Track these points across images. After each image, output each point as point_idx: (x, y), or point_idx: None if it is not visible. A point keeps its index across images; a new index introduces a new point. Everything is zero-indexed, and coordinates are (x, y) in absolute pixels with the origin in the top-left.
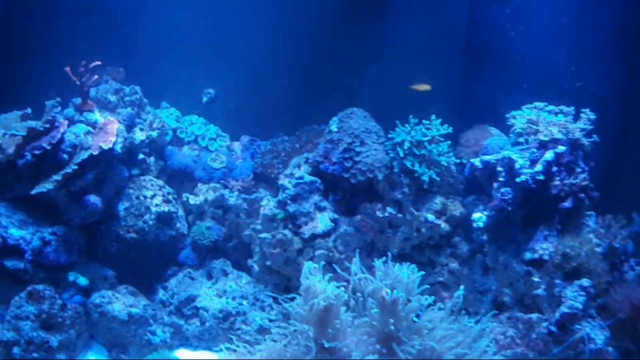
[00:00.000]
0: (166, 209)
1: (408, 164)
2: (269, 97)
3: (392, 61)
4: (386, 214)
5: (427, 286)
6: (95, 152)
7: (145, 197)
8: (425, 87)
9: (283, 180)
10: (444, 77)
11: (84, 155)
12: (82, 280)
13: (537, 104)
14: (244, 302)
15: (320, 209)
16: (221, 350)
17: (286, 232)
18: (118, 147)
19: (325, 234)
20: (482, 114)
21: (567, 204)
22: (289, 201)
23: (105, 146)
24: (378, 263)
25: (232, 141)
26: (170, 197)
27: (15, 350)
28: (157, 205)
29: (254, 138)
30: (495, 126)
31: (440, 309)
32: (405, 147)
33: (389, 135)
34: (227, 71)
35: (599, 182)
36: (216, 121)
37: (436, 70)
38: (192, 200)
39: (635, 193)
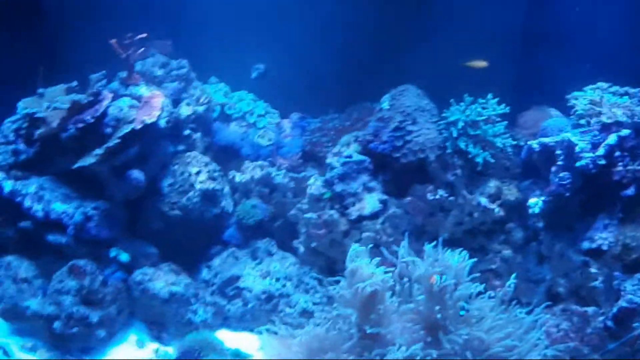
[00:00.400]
0: (211, 186)
1: (462, 144)
2: (321, 74)
3: (448, 37)
4: (437, 197)
5: (478, 274)
6: (138, 126)
7: (190, 173)
8: (482, 63)
9: (331, 159)
10: (502, 54)
11: (127, 129)
12: (124, 257)
13: (600, 84)
14: (288, 283)
15: (369, 190)
16: (261, 332)
17: (332, 212)
18: (162, 122)
19: (373, 216)
20: (541, 94)
21: (629, 191)
22: (336, 180)
23: (149, 120)
24: (427, 248)
25: (282, 118)
26: (215, 174)
27: (56, 324)
28: (201, 182)
29: (304, 115)
30: (556, 107)
31: (490, 297)
32: (459, 127)
33: (443, 114)
34: (278, 46)
35: None
36: (266, 98)
37: (494, 47)
38: (239, 177)
39: None
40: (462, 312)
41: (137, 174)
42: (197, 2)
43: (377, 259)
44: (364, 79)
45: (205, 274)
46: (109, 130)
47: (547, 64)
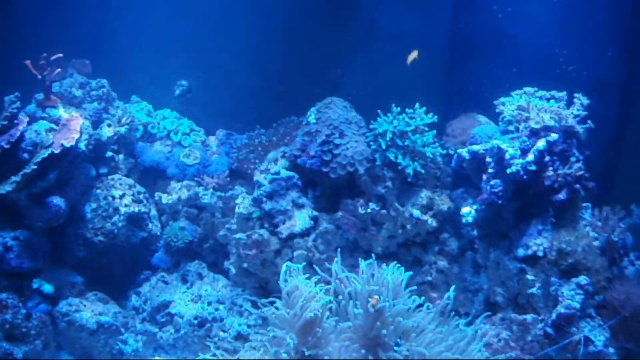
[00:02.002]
0: (136, 209)
1: (391, 156)
2: (247, 89)
3: (375, 50)
4: (369, 210)
5: (415, 287)
6: (57, 151)
7: (113, 197)
8: (414, 54)
9: (258, 177)
10: (430, 65)
11: (44, 154)
12: (47, 288)
13: (527, 89)
14: (221, 307)
15: (299, 207)
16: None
17: (262, 231)
18: (82, 145)
19: (304, 233)
20: (470, 102)
21: (561, 195)
22: (264, 199)
23: (68, 144)
24: (362, 264)
25: (208, 136)
26: (141, 196)
27: None
28: (126, 205)
29: (231, 132)
30: (485, 114)
31: (428, 311)
32: (388, 138)
33: (371, 126)
34: (202, 62)
35: (595, 172)
36: (190, 115)
37: (422, 58)
38: (165, 199)
39: (635, 183)
40: (395, 348)
41: (57, 201)
42: (116, 21)
43: (316, 277)
44: (291, 93)
45: (134, 300)
46: (25, 155)
47: (475, 71)
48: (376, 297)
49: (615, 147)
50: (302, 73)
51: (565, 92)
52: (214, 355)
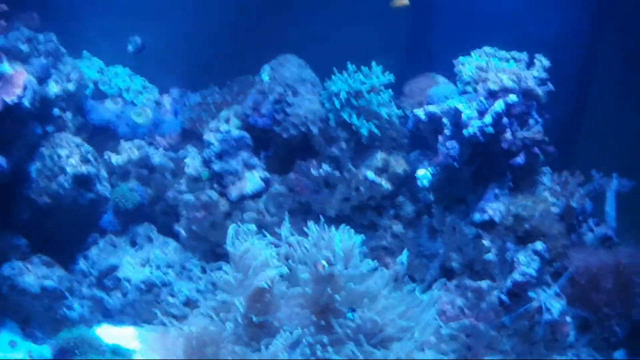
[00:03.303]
0: (84, 169)
1: (345, 115)
2: (201, 45)
3: (334, 6)
4: (322, 172)
5: (366, 250)
6: None
7: (59, 156)
8: (404, 1)
9: (208, 136)
10: (390, 24)
11: None
12: None
13: (486, 49)
14: (170, 271)
15: (250, 167)
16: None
17: (211, 193)
18: (26, 102)
19: (255, 195)
20: (431, 62)
21: (519, 159)
22: (214, 159)
23: (10, 100)
24: (312, 227)
25: (162, 94)
26: (89, 156)
27: None
28: (73, 165)
29: (185, 90)
30: (445, 75)
31: (382, 276)
32: (342, 97)
33: (325, 85)
34: (155, 17)
35: (556, 136)
36: (144, 72)
37: (382, 16)
38: (115, 159)
39: (595, 147)
40: (349, 315)
41: None
42: None
43: (268, 239)
44: (247, 50)
45: (81, 264)
46: None
47: (435, 30)
48: (323, 262)
49: (577, 110)
50: (260, 30)
51: (525, 53)
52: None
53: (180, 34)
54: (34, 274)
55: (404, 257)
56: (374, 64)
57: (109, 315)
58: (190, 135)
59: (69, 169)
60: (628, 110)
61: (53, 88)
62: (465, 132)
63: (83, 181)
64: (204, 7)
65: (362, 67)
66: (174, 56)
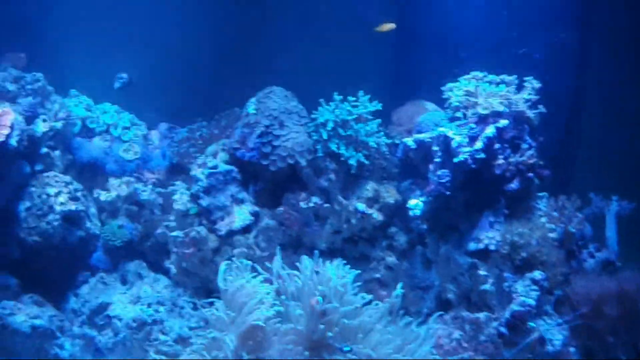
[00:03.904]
0: (73, 207)
1: (333, 146)
2: (189, 81)
3: (319, 37)
4: (311, 205)
5: (362, 284)
6: None
7: (48, 195)
8: (389, 26)
9: (195, 171)
10: (376, 51)
11: None
12: None
13: (475, 73)
14: (161, 308)
15: (238, 202)
16: None
17: (200, 228)
18: (13, 141)
19: (245, 230)
20: (418, 89)
21: (513, 185)
22: (201, 194)
23: None
24: (305, 262)
25: (150, 130)
26: (78, 193)
27: None
28: (62, 203)
29: (173, 126)
30: (433, 101)
31: (376, 309)
32: (329, 128)
33: (312, 116)
34: (142, 54)
35: (552, 160)
36: (131, 109)
37: (368, 44)
38: (104, 196)
39: (593, 169)
40: (346, 348)
41: None
42: (53, 12)
43: (262, 276)
44: (235, 85)
45: (72, 303)
46: None
47: (422, 57)
48: (317, 298)
49: (573, 132)
50: (246, 62)
51: (515, 76)
52: None
53: (168, 70)
54: (25, 314)
55: (398, 290)
56: (361, 93)
57: (100, 354)
58: (179, 170)
59: (57, 207)
60: (625, 129)
61: (41, 127)
62: (455, 159)
63: (72, 219)
64: (191, 42)
65: (348, 96)
66: (162, 91)
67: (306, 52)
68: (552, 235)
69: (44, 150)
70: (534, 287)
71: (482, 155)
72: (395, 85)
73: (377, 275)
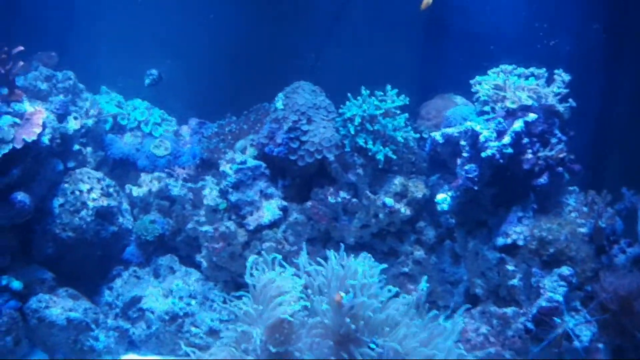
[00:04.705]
0: (105, 203)
1: (360, 141)
2: (220, 76)
3: (348, 33)
4: (339, 199)
5: (390, 278)
6: (19, 146)
7: (81, 191)
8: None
9: (224, 167)
10: (405, 46)
11: (5, 149)
12: (16, 284)
13: (504, 66)
14: (193, 301)
15: (267, 197)
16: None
17: (229, 224)
18: (45, 139)
19: (273, 224)
20: (447, 83)
21: (542, 180)
22: (230, 189)
23: (29, 138)
24: (331, 256)
25: (181, 125)
26: (110, 189)
27: None
28: (94, 199)
29: (203, 121)
30: (462, 95)
31: (403, 303)
32: (357, 123)
33: (340, 111)
34: (173, 50)
35: (583, 153)
36: (163, 105)
37: (396, 39)
38: (136, 191)
39: (626, 164)
40: (372, 345)
41: (21, 197)
42: (83, 11)
43: (290, 271)
44: (264, 80)
45: (107, 296)
46: None
47: (451, 49)
48: (341, 293)
49: (605, 126)
50: (275, 58)
51: (545, 69)
52: (185, 353)
53: (198, 65)
54: (60, 307)
55: (423, 283)
56: (388, 87)
57: (134, 346)
58: (209, 166)
59: (90, 203)
60: None
61: (72, 124)
62: (483, 154)
63: (105, 214)
64: (220, 37)
65: (376, 91)
66: (192, 87)
67: (335, 46)
68: (582, 230)
69: (76, 147)
70: (562, 282)
71: (510, 150)
72: (424, 79)
73: (405, 270)
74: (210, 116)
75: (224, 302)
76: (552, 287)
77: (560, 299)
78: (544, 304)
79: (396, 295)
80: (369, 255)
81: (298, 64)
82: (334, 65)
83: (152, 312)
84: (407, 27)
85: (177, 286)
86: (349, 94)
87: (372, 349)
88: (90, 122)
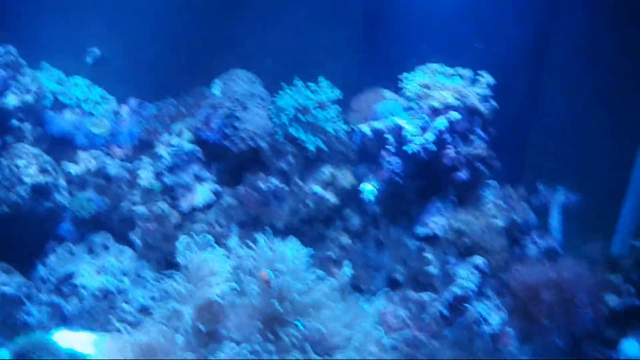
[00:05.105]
0: (42, 179)
1: (292, 131)
2: (161, 58)
3: (290, 24)
4: (270, 186)
5: (312, 262)
6: None
7: (18, 167)
8: None
9: (159, 149)
10: (342, 39)
11: None
12: None
13: (432, 65)
14: (125, 279)
15: (201, 180)
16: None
17: (163, 205)
18: None
19: (205, 207)
20: (379, 78)
21: (462, 175)
22: (165, 171)
23: None
24: (260, 240)
25: (120, 105)
26: (47, 166)
27: None
28: (31, 175)
29: (143, 101)
30: (394, 91)
31: (328, 286)
32: (290, 113)
33: (274, 100)
34: (114, 29)
35: (506, 152)
36: (103, 83)
37: (335, 32)
38: (73, 169)
39: (547, 162)
40: (299, 325)
41: None
42: None
43: (220, 252)
44: (202, 61)
45: (40, 271)
46: None
47: (385, 45)
48: (267, 271)
49: (526, 125)
50: (217, 43)
51: (470, 70)
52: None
53: (138, 45)
54: None
55: (347, 268)
56: (322, 79)
57: (66, 321)
58: (147, 146)
59: (27, 179)
60: (577, 125)
61: (12, 100)
62: (407, 148)
63: (41, 191)
64: (163, 18)
65: (310, 83)
66: (133, 67)
67: (275, 36)
68: (497, 223)
69: (15, 123)
70: (475, 271)
71: (433, 146)
72: (359, 73)
73: (331, 254)
74: (150, 97)
75: (157, 280)
76: (466, 276)
77: (473, 286)
78: (457, 291)
79: (322, 279)
80: (298, 240)
81: (239, 51)
82: (274, 54)
83: (85, 288)
84: (346, 20)
85: (111, 263)
86: (283, 84)
87: (299, 328)
88: (29, 98)
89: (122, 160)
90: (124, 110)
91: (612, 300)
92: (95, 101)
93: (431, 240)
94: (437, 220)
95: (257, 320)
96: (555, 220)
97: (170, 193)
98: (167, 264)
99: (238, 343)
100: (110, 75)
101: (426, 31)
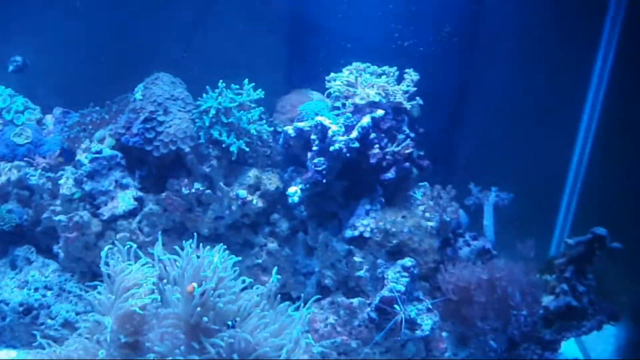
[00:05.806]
0: None
1: (215, 133)
2: (86, 66)
3: (214, 27)
4: (193, 191)
5: (243, 270)
6: None
7: None
8: None
9: (80, 156)
10: (269, 40)
11: None
12: None
13: (357, 64)
14: (48, 293)
15: (122, 187)
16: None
17: (83, 213)
18: None
19: (128, 214)
20: (306, 78)
21: (389, 174)
22: (85, 179)
23: None
24: (186, 247)
25: (45, 114)
26: None
27: None
28: None
29: (68, 110)
30: (321, 91)
31: (256, 294)
32: (211, 115)
33: (196, 103)
34: (38, 36)
35: (436, 151)
36: (26, 92)
37: (261, 33)
38: None
39: (478, 161)
40: (230, 323)
41: None
42: None
43: (143, 260)
44: (129, 68)
45: None
46: None
47: (311, 45)
48: (193, 284)
49: (457, 124)
50: (142, 49)
51: (395, 68)
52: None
53: (64, 53)
54: None
55: (274, 275)
56: (245, 81)
57: None
58: (70, 155)
59: None
60: (506, 123)
61: None
62: (331, 147)
63: None
64: (87, 25)
65: (232, 84)
66: (58, 75)
67: (200, 39)
68: (427, 223)
69: None
70: (404, 273)
71: (357, 145)
72: (285, 74)
73: (259, 261)
74: (76, 106)
75: (81, 293)
76: (395, 278)
77: (402, 288)
78: (385, 293)
79: (249, 286)
80: (224, 246)
81: (165, 55)
82: (199, 57)
83: (7, 304)
84: (272, 21)
85: (33, 277)
86: (207, 87)
87: (231, 327)
88: None
89: (45, 170)
90: (49, 119)
91: (547, 300)
92: (17, 110)
93: (360, 242)
94: (366, 222)
95: (181, 330)
96: (488, 220)
97: (91, 201)
98: (92, 274)
99: (161, 354)
100: (39, 85)
101: (354, 31)
